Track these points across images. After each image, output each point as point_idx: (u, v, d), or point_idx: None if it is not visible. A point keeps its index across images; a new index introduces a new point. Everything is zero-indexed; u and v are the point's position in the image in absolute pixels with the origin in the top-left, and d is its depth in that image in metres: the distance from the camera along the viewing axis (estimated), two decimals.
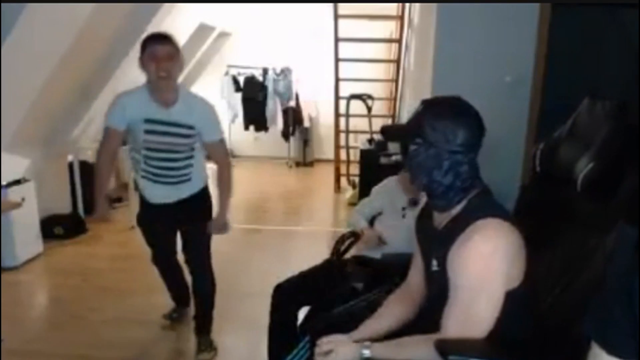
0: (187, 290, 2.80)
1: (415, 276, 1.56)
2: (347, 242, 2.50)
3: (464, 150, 1.33)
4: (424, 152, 1.34)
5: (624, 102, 1.47)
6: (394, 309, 1.54)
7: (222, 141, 2.50)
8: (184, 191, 2.49)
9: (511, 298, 1.27)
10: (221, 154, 2.51)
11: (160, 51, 2.17)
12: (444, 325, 1.28)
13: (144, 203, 2.56)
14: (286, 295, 2.25)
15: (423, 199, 2.34)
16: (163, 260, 2.77)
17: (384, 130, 1.58)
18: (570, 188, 1.48)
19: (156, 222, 2.57)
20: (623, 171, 1.35)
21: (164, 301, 2.96)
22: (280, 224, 5.35)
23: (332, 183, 6.48)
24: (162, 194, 2.47)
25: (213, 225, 2.51)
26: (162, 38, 2.23)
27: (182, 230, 2.57)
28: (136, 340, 2.78)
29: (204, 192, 2.58)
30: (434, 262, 1.37)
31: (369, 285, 2.12)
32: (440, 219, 1.39)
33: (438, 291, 1.34)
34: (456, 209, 1.35)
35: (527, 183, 1.71)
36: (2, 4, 2.81)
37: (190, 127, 2.32)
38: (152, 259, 2.77)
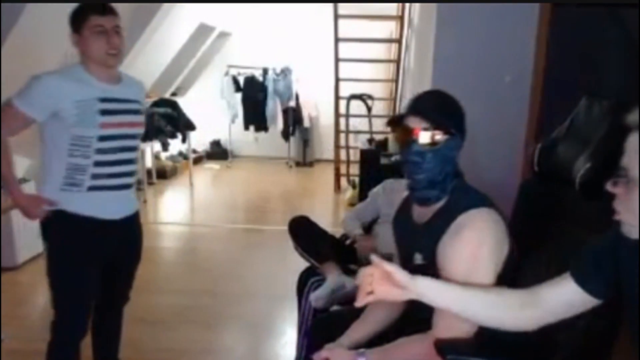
0: None
1: None
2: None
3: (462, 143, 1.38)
4: (452, 143, 1.34)
5: (621, 101, 1.47)
6: (378, 311, 1.54)
7: None
8: (133, 202, 2.04)
9: (500, 282, 1.28)
10: None
11: (107, 24, 1.82)
12: (435, 321, 1.29)
13: (81, 228, 1.89)
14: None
15: None
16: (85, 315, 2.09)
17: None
18: (569, 187, 1.48)
19: (98, 250, 1.95)
20: None
21: (164, 301, 2.96)
22: (280, 224, 5.33)
23: (332, 183, 6.48)
24: (116, 205, 1.95)
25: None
26: (104, 8, 1.85)
27: (112, 263, 2.03)
28: (136, 340, 2.78)
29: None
30: (418, 256, 1.38)
31: None
32: (422, 213, 1.40)
33: None
34: (440, 202, 1.37)
35: (525, 182, 1.71)
36: (2, 4, 2.81)
37: (138, 102, 2.01)
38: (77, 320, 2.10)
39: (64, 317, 2.06)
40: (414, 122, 1.34)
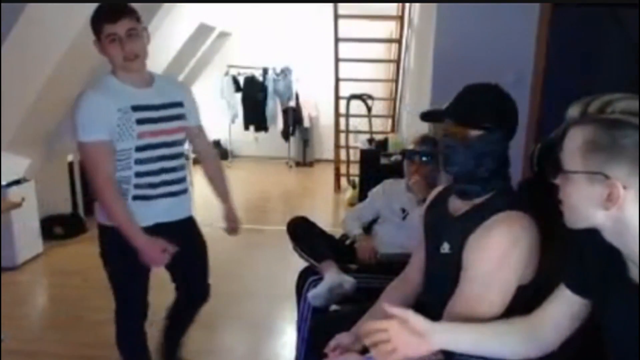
0: None
1: (414, 273, 1.57)
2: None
3: (509, 137, 1.37)
4: (487, 138, 1.33)
5: None
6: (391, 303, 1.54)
7: (202, 127, 2.15)
8: (185, 207, 2.06)
9: (521, 293, 1.27)
10: (208, 142, 2.20)
11: (120, 30, 1.74)
12: (449, 311, 1.28)
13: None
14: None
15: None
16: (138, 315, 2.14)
17: (444, 112, 1.42)
18: None
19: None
20: None
21: (164, 301, 2.95)
22: (280, 224, 5.32)
23: (332, 183, 6.48)
24: (160, 210, 1.92)
25: (227, 222, 2.16)
26: (117, 12, 1.75)
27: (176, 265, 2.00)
28: None
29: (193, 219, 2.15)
30: (446, 245, 1.38)
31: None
32: (459, 206, 1.40)
33: (444, 272, 1.36)
34: (481, 198, 1.36)
35: (524, 183, 1.71)
36: (2, 4, 2.81)
37: (180, 105, 1.94)
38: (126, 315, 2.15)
39: (122, 309, 2.14)
40: (447, 122, 1.38)
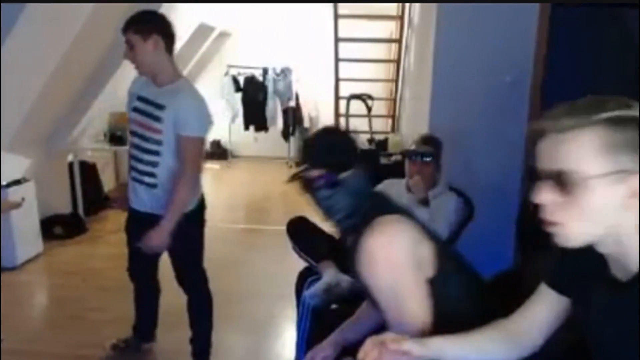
0: (154, 324, 2.66)
1: None
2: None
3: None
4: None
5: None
6: (372, 310, 1.52)
7: (196, 141, 2.15)
8: (154, 203, 2.20)
9: (440, 285, 1.26)
10: (189, 153, 2.12)
11: (125, 41, 2.08)
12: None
13: (129, 208, 2.33)
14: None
15: (442, 195, 2.37)
16: (137, 277, 2.54)
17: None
18: None
19: (133, 232, 2.28)
20: None
21: (164, 301, 2.96)
22: (280, 223, 5.32)
23: None
24: (139, 198, 2.25)
25: (150, 237, 2.11)
26: (125, 26, 2.07)
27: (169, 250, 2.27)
28: None
29: (194, 214, 2.27)
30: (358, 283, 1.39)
31: None
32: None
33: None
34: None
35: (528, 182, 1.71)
36: (2, 4, 2.81)
37: (160, 107, 2.09)
38: (128, 272, 2.53)
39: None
40: (313, 173, 1.36)
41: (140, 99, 2.15)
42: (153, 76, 2.14)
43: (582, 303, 1.00)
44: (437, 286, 1.26)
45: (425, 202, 2.33)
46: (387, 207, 1.36)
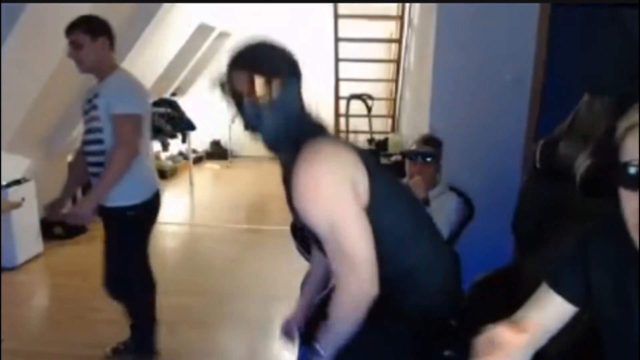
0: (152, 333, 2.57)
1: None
2: None
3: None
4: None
5: (622, 98, 1.47)
6: (319, 267, 1.57)
7: (128, 117, 2.12)
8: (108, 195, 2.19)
9: (375, 213, 1.19)
10: (121, 129, 2.11)
11: (70, 42, 2.18)
12: (334, 270, 1.22)
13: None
14: None
15: (443, 195, 2.37)
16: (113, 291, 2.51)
17: None
18: (570, 184, 1.48)
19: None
20: None
21: (164, 301, 2.96)
22: (280, 224, 5.34)
23: None
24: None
25: (73, 210, 2.28)
26: (70, 27, 2.19)
27: None
28: None
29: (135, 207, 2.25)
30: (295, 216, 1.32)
31: None
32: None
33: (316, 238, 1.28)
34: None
35: (527, 180, 1.71)
36: (2, 4, 2.81)
37: (96, 95, 2.21)
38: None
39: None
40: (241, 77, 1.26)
41: (86, 100, 2.28)
42: (94, 73, 2.26)
43: (617, 304, 0.95)
44: (372, 214, 1.19)
45: (425, 202, 2.34)
46: (319, 130, 1.29)
